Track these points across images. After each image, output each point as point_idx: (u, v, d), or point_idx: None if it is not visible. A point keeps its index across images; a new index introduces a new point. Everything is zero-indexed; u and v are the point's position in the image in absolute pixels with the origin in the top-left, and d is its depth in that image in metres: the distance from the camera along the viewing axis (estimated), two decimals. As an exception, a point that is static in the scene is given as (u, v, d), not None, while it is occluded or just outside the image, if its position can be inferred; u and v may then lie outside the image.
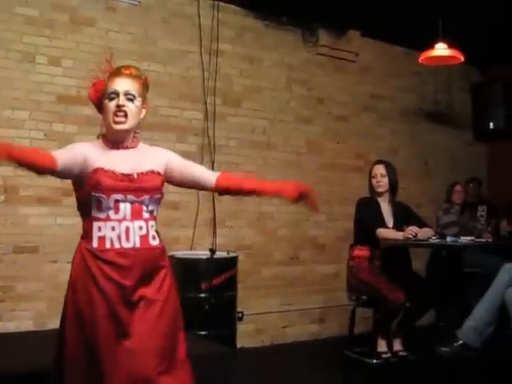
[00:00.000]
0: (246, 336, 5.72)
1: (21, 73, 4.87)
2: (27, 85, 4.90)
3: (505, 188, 7.14)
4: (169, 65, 5.55)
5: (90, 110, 2.55)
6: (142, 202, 2.63)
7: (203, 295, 4.92)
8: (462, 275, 5.38)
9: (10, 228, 4.75)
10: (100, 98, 2.70)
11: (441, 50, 5.77)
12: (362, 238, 5.18)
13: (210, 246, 5.39)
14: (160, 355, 2.53)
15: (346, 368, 5.25)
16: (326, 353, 5.74)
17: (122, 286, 2.54)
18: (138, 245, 2.60)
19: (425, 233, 5.06)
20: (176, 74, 5.61)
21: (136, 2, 5.38)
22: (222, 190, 2.80)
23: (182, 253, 5.17)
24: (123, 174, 2.61)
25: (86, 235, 2.63)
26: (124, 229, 2.59)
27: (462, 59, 5.89)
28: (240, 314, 5.56)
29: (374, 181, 5.27)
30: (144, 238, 2.63)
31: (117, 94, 2.64)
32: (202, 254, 5.18)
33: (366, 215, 5.19)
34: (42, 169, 2.48)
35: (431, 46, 5.80)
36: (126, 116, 2.64)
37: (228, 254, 5.27)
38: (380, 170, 5.25)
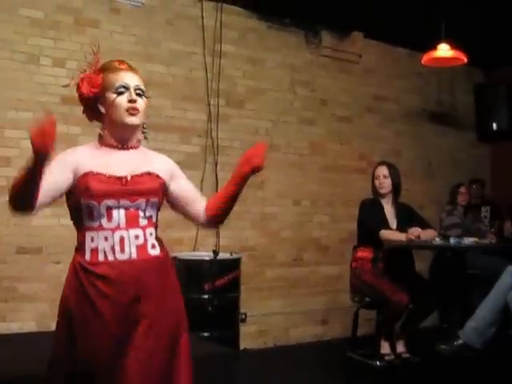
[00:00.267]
0: (249, 337, 5.71)
1: (25, 74, 4.89)
2: (32, 86, 4.91)
3: (508, 189, 7.13)
4: (172, 66, 5.55)
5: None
6: (137, 207, 2.39)
7: (206, 296, 4.92)
8: (465, 277, 5.38)
9: (13, 229, 4.76)
10: (97, 93, 2.45)
11: (444, 51, 5.77)
12: (366, 240, 5.18)
13: (213, 248, 5.40)
14: (159, 379, 2.34)
15: (349, 370, 5.24)
16: (329, 354, 5.73)
17: (118, 304, 2.30)
18: (134, 256, 2.35)
19: (428, 234, 5.06)
20: (179, 75, 5.61)
21: (140, 4, 5.40)
22: (212, 219, 2.65)
23: (186, 254, 5.18)
24: (116, 177, 2.38)
25: (80, 247, 2.39)
26: (118, 239, 2.34)
27: (465, 60, 5.89)
28: (243, 316, 5.56)
29: (376, 182, 5.27)
30: (141, 247, 2.38)
31: (127, 88, 2.42)
32: (206, 255, 5.19)
33: (369, 217, 5.19)
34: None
35: (434, 48, 5.80)
36: (138, 110, 2.43)
37: (231, 255, 5.27)
38: (383, 171, 5.25)
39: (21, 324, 4.75)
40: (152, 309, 2.36)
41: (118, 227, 2.35)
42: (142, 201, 2.40)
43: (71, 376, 2.31)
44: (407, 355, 5.09)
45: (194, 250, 5.45)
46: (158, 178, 2.48)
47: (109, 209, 2.34)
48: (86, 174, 2.34)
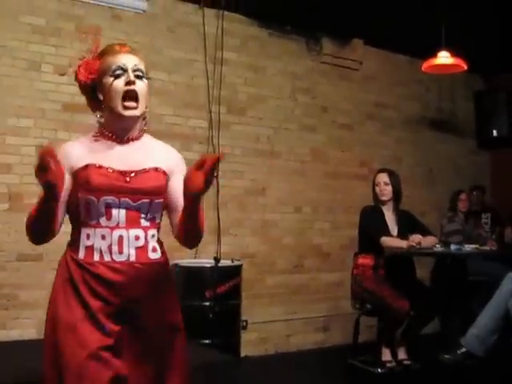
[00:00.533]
0: (250, 344, 5.70)
1: (26, 81, 4.89)
2: (33, 93, 4.92)
3: (508, 196, 7.14)
4: (174, 73, 5.56)
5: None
6: (139, 209, 2.21)
7: (207, 303, 4.91)
8: (466, 283, 5.38)
9: (14, 236, 4.75)
10: (95, 79, 2.27)
11: (444, 58, 5.80)
12: (367, 247, 5.19)
13: (215, 255, 5.39)
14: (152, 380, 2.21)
15: (350, 377, 5.25)
16: (330, 361, 5.73)
17: (111, 303, 2.15)
18: (132, 258, 2.18)
19: (429, 241, 5.08)
20: (181, 82, 5.62)
21: (141, 11, 5.41)
22: (179, 241, 2.28)
23: (187, 261, 5.17)
24: (119, 172, 2.19)
25: (73, 243, 2.23)
26: (116, 238, 2.17)
27: (465, 67, 5.91)
28: (244, 323, 5.54)
29: (377, 189, 5.29)
30: (141, 250, 2.21)
31: (124, 69, 2.22)
32: (207, 262, 5.18)
33: (370, 224, 5.21)
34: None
35: (434, 55, 5.83)
36: (136, 100, 2.21)
37: (232, 262, 5.27)
38: (383, 178, 5.27)
39: (21, 331, 4.72)
40: (146, 312, 2.21)
41: (117, 226, 2.18)
42: (145, 201, 2.21)
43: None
44: (408, 362, 5.10)
45: (195, 257, 5.44)
46: (164, 174, 2.28)
47: (108, 206, 2.17)
48: (87, 167, 2.17)
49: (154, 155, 2.31)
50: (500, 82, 7.75)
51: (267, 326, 5.94)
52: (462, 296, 5.21)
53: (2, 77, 4.80)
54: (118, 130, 2.27)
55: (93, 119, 2.34)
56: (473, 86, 7.91)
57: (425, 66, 5.98)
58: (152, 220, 2.26)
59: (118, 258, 2.17)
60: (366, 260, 5.17)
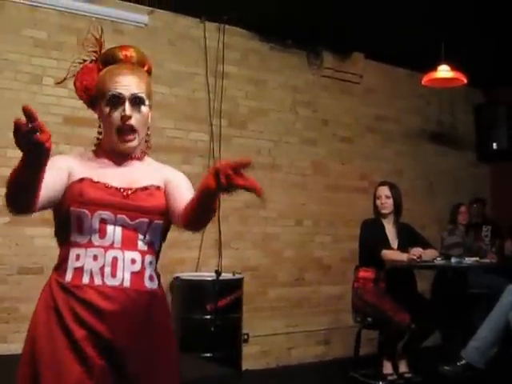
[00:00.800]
0: (251, 358, 5.69)
1: (28, 94, 4.91)
2: (34, 106, 4.78)
3: (508, 208, 7.15)
4: (175, 87, 5.58)
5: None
6: (136, 228, 1.99)
7: (209, 317, 4.90)
8: (466, 296, 5.38)
9: (14, 249, 4.76)
10: (92, 96, 2.11)
11: (444, 72, 5.84)
12: (367, 260, 5.19)
13: (216, 268, 5.39)
14: None
15: (352, 390, 5.23)
16: (332, 374, 5.71)
17: (97, 333, 1.89)
18: (127, 284, 1.95)
19: (429, 254, 5.08)
20: (182, 95, 5.65)
21: (143, 25, 5.44)
22: (186, 219, 1.96)
23: (188, 274, 5.18)
24: (116, 188, 2.00)
25: (60, 266, 2.00)
26: (110, 260, 1.94)
27: (465, 81, 5.95)
28: (245, 336, 5.54)
29: (378, 202, 5.29)
30: (137, 275, 1.98)
31: (121, 98, 2.02)
32: (208, 275, 5.18)
33: (371, 237, 5.21)
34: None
35: (434, 68, 5.86)
36: (134, 131, 2.04)
37: (233, 275, 5.27)
38: (384, 191, 5.27)
39: (21, 345, 4.67)
40: (136, 350, 1.95)
41: (111, 246, 1.95)
42: (143, 220, 2.00)
43: None
44: (409, 375, 5.08)
45: (196, 270, 5.45)
46: (165, 194, 2.09)
47: (103, 222, 1.95)
48: (82, 180, 1.97)
49: (155, 175, 2.13)
50: (499, 95, 7.78)
51: (268, 339, 5.94)
52: (463, 308, 5.21)
53: (3, 90, 4.83)
54: (117, 153, 2.09)
55: (93, 132, 2.20)
56: (473, 99, 7.94)
57: (425, 79, 6.02)
58: (150, 244, 2.05)
59: (110, 281, 1.93)
60: (366, 273, 5.17)
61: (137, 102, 2.04)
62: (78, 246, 1.96)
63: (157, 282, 2.07)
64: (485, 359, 4.53)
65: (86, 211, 1.94)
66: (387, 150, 7.12)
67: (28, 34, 4.95)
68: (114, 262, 1.94)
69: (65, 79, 2.22)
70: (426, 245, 5.16)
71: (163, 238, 2.13)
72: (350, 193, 6.70)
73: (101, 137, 2.12)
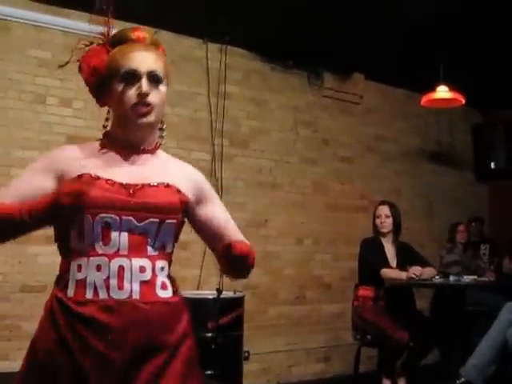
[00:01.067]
0: (252, 375, 5.71)
1: (32, 113, 4.97)
2: (38, 125, 4.98)
3: (506, 227, 7.17)
4: (177, 107, 5.62)
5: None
6: (145, 231, 1.75)
7: (210, 334, 4.91)
8: (465, 314, 5.40)
9: (18, 267, 4.78)
10: (100, 79, 1.86)
11: (442, 92, 5.88)
12: (367, 278, 5.21)
13: (217, 286, 5.41)
14: None
15: (351, 407, 5.24)
16: (332, 392, 5.73)
17: (109, 361, 1.66)
18: (136, 296, 1.71)
19: (428, 272, 5.12)
20: (184, 115, 5.69)
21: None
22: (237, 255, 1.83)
23: (189, 292, 5.19)
24: (120, 184, 1.76)
25: (61, 278, 1.78)
26: (116, 269, 1.70)
27: (464, 101, 6.00)
28: (246, 354, 5.55)
29: (378, 221, 5.32)
30: (147, 285, 1.74)
31: (137, 75, 1.79)
32: (209, 293, 5.20)
33: (370, 255, 5.24)
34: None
35: (433, 89, 5.91)
36: (152, 107, 1.81)
37: (234, 293, 5.28)
38: (384, 210, 5.31)
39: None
40: (153, 368, 1.72)
41: (117, 253, 1.72)
42: (153, 221, 1.76)
43: None
44: (408, 393, 5.09)
45: (197, 289, 5.48)
46: (178, 192, 1.85)
47: (106, 227, 1.71)
48: (80, 177, 1.74)
49: (169, 171, 1.89)
50: (497, 115, 7.85)
51: (269, 357, 5.95)
52: (461, 326, 5.23)
53: (8, 109, 4.88)
54: (127, 139, 1.86)
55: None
56: (471, 119, 8.01)
57: (424, 100, 6.06)
58: (161, 249, 1.80)
59: (116, 295, 1.70)
60: (366, 291, 5.19)
61: (154, 79, 1.82)
62: (80, 254, 1.73)
63: (170, 290, 1.82)
64: (483, 377, 4.55)
65: (87, 214, 1.70)
66: (387, 169, 7.17)
67: (32, 54, 5.01)
68: (120, 272, 1.71)
69: (68, 63, 2.04)
70: (424, 263, 5.19)
71: (176, 238, 1.89)
72: (350, 212, 6.74)
73: (108, 125, 1.91)
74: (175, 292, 1.85)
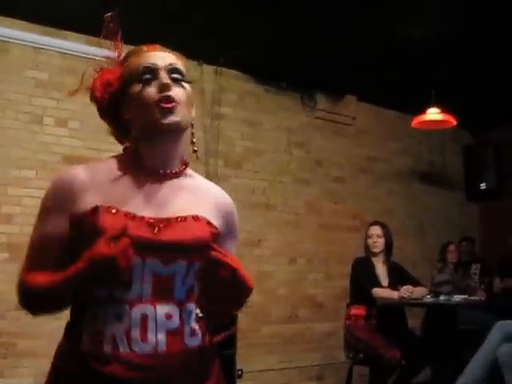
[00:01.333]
0: (245, 394, 5.72)
1: (29, 133, 5.00)
2: (34, 145, 5.01)
3: (497, 247, 7.20)
4: (171, 127, 5.65)
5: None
6: (173, 274, 1.50)
7: (203, 352, 4.93)
8: (456, 332, 5.42)
9: (14, 285, 4.79)
10: (117, 92, 1.61)
11: (433, 114, 5.94)
12: (359, 297, 5.24)
13: (210, 304, 5.43)
14: None
15: (344, 426, 5.24)
16: (324, 411, 5.73)
17: None
18: (162, 346, 1.46)
19: (419, 292, 5.15)
20: (178, 136, 5.72)
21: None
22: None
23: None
24: (143, 219, 1.49)
25: (72, 329, 1.53)
26: (138, 319, 1.45)
27: (455, 123, 6.06)
28: (239, 372, 5.56)
29: (370, 241, 5.36)
30: (174, 334, 1.49)
31: (155, 69, 1.57)
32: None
33: (362, 275, 5.26)
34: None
35: (424, 111, 5.97)
36: (176, 102, 1.55)
37: (228, 312, 5.30)
38: (376, 230, 5.36)
39: (19, 380, 4.71)
40: None
41: (139, 300, 1.47)
42: (181, 264, 1.51)
43: None
44: (400, 411, 5.11)
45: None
46: (208, 225, 1.60)
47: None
48: (95, 210, 1.48)
49: (197, 198, 1.66)
50: (488, 136, 7.93)
51: (262, 375, 5.95)
52: (453, 345, 5.25)
53: (5, 129, 4.91)
54: (153, 158, 1.60)
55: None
56: (462, 140, 8.09)
57: (415, 121, 6.11)
58: (190, 291, 1.57)
59: (139, 348, 1.45)
60: (358, 310, 5.21)
61: (175, 72, 1.60)
62: (95, 301, 1.48)
63: (200, 334, 1.58)
64: (473, 395, 4.56)
65: None
66: (379, 189, 7.23)
67: (30, 75, 5.05)
68: (143, 322, 1.46)
69: (79, 89, 1.77)
70: (415, 283, 5.23)
71: (204, 277, 1.61)
72: (343, 232, 6.78)
73: (128, 145, 1.66)
74: (204, 335, 1.60)
